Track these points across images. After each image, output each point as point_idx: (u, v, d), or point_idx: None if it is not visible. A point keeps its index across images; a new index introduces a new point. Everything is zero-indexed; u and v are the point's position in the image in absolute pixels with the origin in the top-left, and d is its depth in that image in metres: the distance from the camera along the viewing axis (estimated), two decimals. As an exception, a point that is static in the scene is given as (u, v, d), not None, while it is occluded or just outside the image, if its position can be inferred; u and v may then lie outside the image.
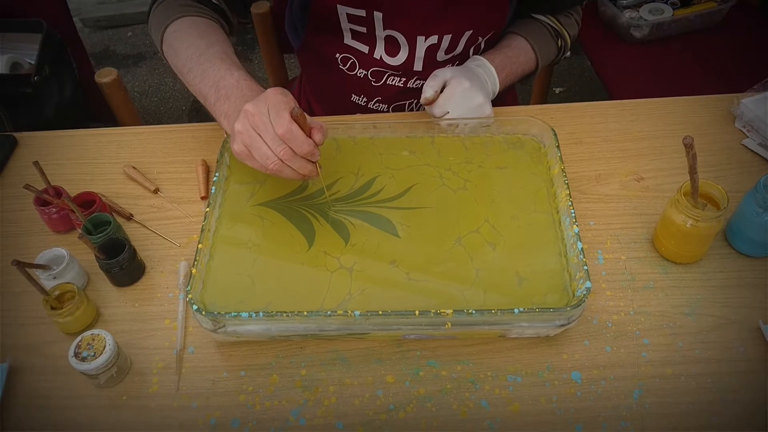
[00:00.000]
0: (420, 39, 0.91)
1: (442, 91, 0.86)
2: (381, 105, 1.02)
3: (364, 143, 0.89)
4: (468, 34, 0.91)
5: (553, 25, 0.99)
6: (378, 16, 0.87)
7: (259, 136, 0.68)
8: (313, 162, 0.72)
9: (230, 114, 0.73)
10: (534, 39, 0.97)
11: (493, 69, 0.91)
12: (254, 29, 1.28)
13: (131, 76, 2.31)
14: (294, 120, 0.68)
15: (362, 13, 0.87)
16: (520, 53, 0.95)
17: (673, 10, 1.50)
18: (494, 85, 0.91)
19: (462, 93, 0.85)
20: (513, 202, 0.81)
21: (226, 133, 0.79)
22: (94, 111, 1.58)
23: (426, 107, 0.88)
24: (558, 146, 0.83)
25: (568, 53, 1.04)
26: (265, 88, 0.73)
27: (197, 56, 0.80)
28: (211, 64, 0.78)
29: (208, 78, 0.77)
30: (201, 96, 0.79)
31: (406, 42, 0.91)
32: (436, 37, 0.91)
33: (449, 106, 0.85)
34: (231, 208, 0.81)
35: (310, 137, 0.69)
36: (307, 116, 0.70)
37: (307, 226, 0.79)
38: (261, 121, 0.68)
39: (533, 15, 0.99)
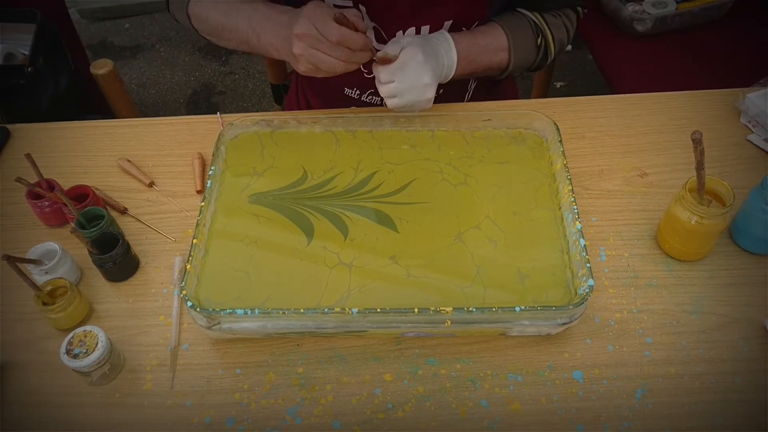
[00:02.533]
0: (399, 34, 0.89)
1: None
2: (374, 98, 1.00)
3: (363, 137, 0.87)
4: (448, 24, 0.89)
5: (536, 21, 0.92)
6: (363, 9, 0.86)
7: (318, 50, 0.74)
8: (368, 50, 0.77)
9: (276, 44, 0.79)
10: (510, 29, 0.90)
11: (454, 53, 0.85)
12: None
13: (129, 68, 2.29)
14: (340, 23, 0.73)
15: (350, 4, 0.86)
16: (491, 42, 0.89)
17: (677, 3, 1.48)
18: (449, 69, 0.85)
19: (414, 66, 0.80)
20: (514, 197, 0.80)
21: (222, 124, 0.77)
22: (91, 103, 1.56)
23: (374, 67, 0.82)
24: (561, 141, 0.81)
25: (552, 57, 0.97)
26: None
27: (224, 15, 0.85)
28: (238, 13, 0.83)
29: (242, 25, 0.82)
30: (243, 43, 0.84)
31: (386, 37, 0.89)
32: (414, 29, 0.88)
33: (398, 75, 0.80)
34: (227, 202, 0.80)
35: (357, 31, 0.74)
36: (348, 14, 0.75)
37: (305, 220, 0.78)
38: (314, 37, 0.74)
39: (518, 9, 0.94)
